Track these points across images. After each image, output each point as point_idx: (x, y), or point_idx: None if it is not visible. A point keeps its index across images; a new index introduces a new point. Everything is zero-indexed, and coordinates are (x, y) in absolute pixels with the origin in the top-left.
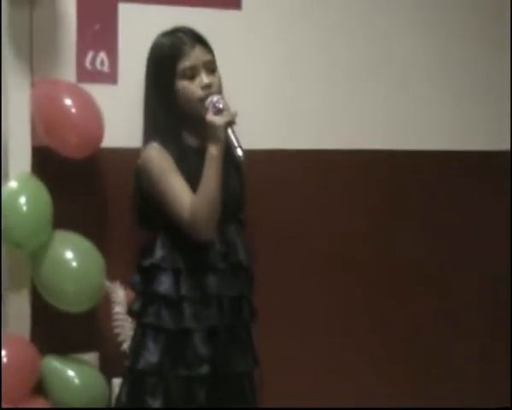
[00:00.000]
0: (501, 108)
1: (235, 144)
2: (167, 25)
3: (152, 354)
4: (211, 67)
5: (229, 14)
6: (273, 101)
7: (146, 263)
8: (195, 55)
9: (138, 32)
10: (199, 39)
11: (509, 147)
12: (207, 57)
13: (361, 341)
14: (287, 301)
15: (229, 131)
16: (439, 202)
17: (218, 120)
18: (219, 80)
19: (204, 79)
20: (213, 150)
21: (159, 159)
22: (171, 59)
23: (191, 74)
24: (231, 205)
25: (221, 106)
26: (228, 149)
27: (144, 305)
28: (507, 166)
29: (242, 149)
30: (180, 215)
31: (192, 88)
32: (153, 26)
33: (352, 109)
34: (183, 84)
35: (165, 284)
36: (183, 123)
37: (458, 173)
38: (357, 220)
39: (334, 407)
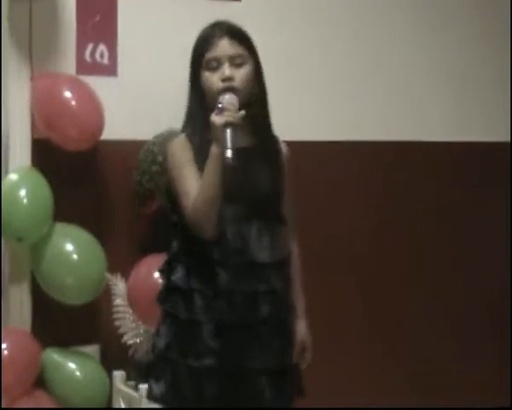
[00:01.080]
0: (501, 99)
1: (227, 145)
2: (166, 17)
3: (161, 339)
4: (238, 61)
5: (230, 5)
6: (272, 93)
7: (169, 252)
8: (221, 47)
9: (138, 23)
10: (231, 32)
11: (509, 138)
12: (235, 51)
13: (361, 341)
14: None
15: (228, 131)
16: (440, 193)
17: (217, 119)
18: (248, 74)
19: (226, 71)
20: (214, 149)
21: (179, 151)
22: (199, 49)
23: (215, 66)
24: (252, 201)
25: (223, 105)
26: (266, 144)
27: (165, 293)
28: (507, 158)
29: (232, 152)
30: (184, 205)
31: (213, 79)
32: (152, 18)
33: (353, 102)
34: (206, 75)
35: (179, 274)
36: (208, 115)
37: (458, 164)
38: (357, 212)
39: (334, 406)
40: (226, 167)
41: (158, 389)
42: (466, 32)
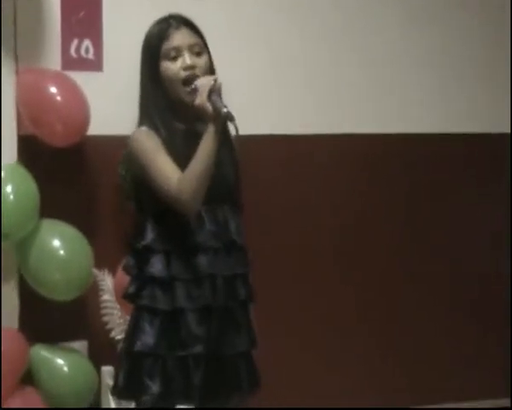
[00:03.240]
0: (501, 90)
1: (221, 105)
2: (152, 11)
3: (148, 336)
4: (196, 50)
5: (217, 2)
6: (260, 87)
7: (138, 246)
8: (180, 37)
9: (123, 19)
10: (186, 23)
11: (508, 129)
12: (193, 40)
13: (359, 339)
14: (279, 290)
15: (213, 97)
16: (439, 185)
17: (199, 97)
18: (206, 63)
19: (187, 59)
20: (211, 127)
21: (146, 140)
22: (156, 41)
23: (174, 55)
24: (223, 186)
25: (195, 85)
26: (223, 133)
27: (139, 288)
28: (507, 149)
29: (228, 110)
30: (167, 188)
31: (174, 69)
32: (137, 13)
33: (346, 102)
34: (166, 64)
35: (157, 265)
36: (170, 106)
37: (458, 156)
38: (353, 212)
39: (331, 403)
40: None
41: (155, 386)
42: (464, 22)
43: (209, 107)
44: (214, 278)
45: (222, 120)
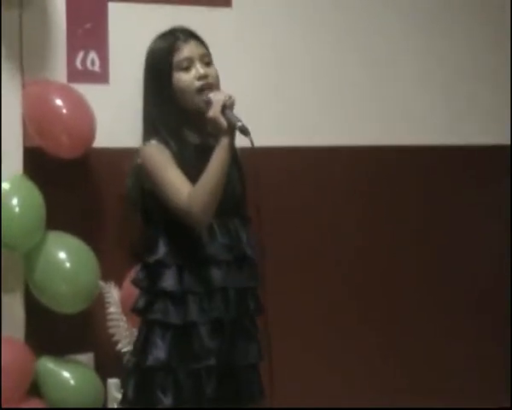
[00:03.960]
0: (501, 102)
1: (236, 119)
2: (157, 23)
3: (160, 350)
4: (206, 60)
5: (220, 11)
6: (264, 98)
7: (150, 260)
8: (190, 48)
9: (129, 30)
10: (192, 35)
11: (509, 141)
12: (202, 50)
13: (360, 340)
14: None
15: (227, 111)
16: (439, 197)
17: (213, 111)
18: (216, 73)
19: (200, 69)
20: (224, 140)
21: (156, 153)
22: (166, 53)
23: (187, 65)
24: (232, 199)
25: (209, 98)
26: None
27: (150, 302)
28: (507, 161)
29: (243, 124)
30: (177, 201)
31: (188, 79)
32: (143, 25)
33: (349, 105)
34: (178, 76)
35: (169, 279)
36: (182, 119)
37: (458, 168)
38: (356, 216)
39: (332, 404)
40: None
41: (167, 400)
42: (465, 32)
43: (223, 121)
44: (226, 291)
45: (235, 133)
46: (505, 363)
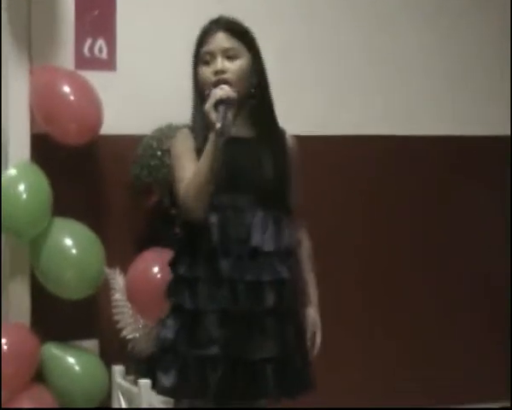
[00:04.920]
0: (501, 93)
1: (219, 119)
2: (166, 11)
3: (169, 331)
4: (231, 54)
5: (225, 1)
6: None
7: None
8: (216, 41)
9: (137, 18)
10: (227, 26)
11: (509, 132)
12: (228, 44)
13: (359, 339)
14: None
15: (220, 108)
16: (439, 187)
17: (208, 102)
18: (241, 67)
19: (218, 64)
20: (212, 135)
21: (179, 142)
22: (197, 45)
23: (208, 59)
24: (260, 190)
25: (211, 90)
26: (269, 135)
27: (173, 285)
28: (507, 152)
29: (226, 126)
30: (177, 190)
31: (206, 73)
32: (151, 12)
33: (352, 95)
34: (201, 69)
35: (183, 264)
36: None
37: (458, 158)
38: (354, 208)
39: (332, 404)
40: (225, 154)
41: (167, 380)
42: (465, 26)
43: (213, 115)
44: (235, 283)
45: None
46: (505, 362)
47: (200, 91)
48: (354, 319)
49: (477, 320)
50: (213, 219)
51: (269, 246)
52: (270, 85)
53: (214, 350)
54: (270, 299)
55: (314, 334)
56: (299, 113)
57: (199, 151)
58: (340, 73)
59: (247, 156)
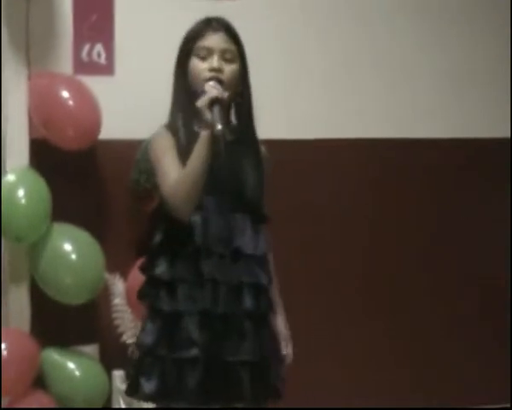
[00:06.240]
0: (501, 95)
1: (217, 120)
2: (164, 16)
3: (148, 335)
4: (228, 56)
5: (225, 4)
6: (269, 92)
7: (151, 245)
8: (215, 39)
9: (135, 23)
10: (227, 28)
11: (508, 134)
12: (227, 45)
13: (360, 340)
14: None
15: (215, 108)
16: (440, 190)
17: (203, 100)
18: (235, 72)
19: (215, 62)
20: (203, 134)
21: (158, 140)
22: (191, 37)
23: (205, 55)
24: (239, 194)
25: (205, 86)
26: (250, 143)
27: (145, 287)
28: (507, 154)
29: (220, 129)
30: (163, 189)
31: (201, 67)
32: (149, 17)
33: (353, 99)
34: (194, 62)
35: (161, 266)
36: (195, 108)
37: (458, 161)
38: (359, 211)
39: (332, 404)
40: (215, 153)
41: (149, 386)
42: (466, 29)
43: (207, 114)
44: (216, 284)
45: (214, 133)
46: (505, 363)
47: (186, 83)
48: (356, 321)
49: (478, 322)
50: (196, 218)
51: (249, 248)
52: (252, 94)
53: (194, 352)
54: (248, 301)
55: (286, 342)
56: (303, 117)
57: (183, 148)
58: (345, 77)
59: (228, 160)
